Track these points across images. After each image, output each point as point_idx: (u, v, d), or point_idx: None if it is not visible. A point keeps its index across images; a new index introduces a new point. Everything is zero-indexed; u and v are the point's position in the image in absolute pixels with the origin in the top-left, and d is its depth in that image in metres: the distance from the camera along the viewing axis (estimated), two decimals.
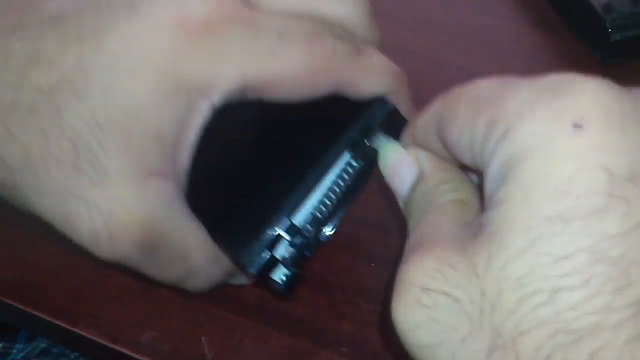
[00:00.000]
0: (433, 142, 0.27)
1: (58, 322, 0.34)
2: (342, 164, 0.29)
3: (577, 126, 0.20)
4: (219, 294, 0.35)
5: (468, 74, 0.46)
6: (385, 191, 0.39)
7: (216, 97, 0.28)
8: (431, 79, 0.46)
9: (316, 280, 0.36)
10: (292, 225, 0.29)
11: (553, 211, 0.20)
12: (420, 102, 0.44)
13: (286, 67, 0.28)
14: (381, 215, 0.38)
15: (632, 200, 0.19)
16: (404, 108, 0.32)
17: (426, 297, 0.22)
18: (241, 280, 0.34)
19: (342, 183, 0.29)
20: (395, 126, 0.30)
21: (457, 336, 0.21)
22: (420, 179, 0.28)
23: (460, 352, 0.21)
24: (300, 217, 0.29)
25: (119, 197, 0.27)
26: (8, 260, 0.36)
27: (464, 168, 0.27)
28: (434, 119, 0.27)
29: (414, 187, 0.28)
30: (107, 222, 0.27)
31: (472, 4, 0.52)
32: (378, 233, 0.38)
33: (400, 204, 0.29)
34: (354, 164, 0.30)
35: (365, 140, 0.30)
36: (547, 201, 0.20)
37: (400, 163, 0.29)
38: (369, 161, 0.30)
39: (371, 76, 0.30)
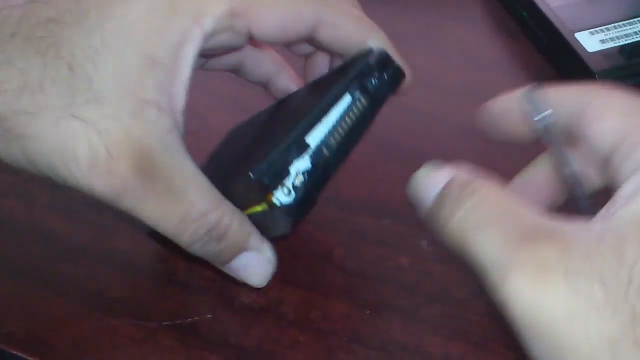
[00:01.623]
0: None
1: None
2: (346, 104, 0.32)
3: None
4: (219, 341, 0.36)
5: (467, 129, 0.48)
6: (381, 244, 0.41)
7: (207, 24, 0.29)
8: (432, 134, 0.48)
9: (312, 327, 0.37)
10: (304, 143, 0.31)
11: None
12: (420, 155, 0.46)
13: None
14: (375, 265, 0.40)
15: None
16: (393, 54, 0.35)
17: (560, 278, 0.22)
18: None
19: (348, 119, 0.32)
20: (387, 69, 0.34)
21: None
22: (451, 184, 0.27)
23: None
24: (313, 138, 0.31)
25: (114, 116, 0.28)
26: (16, 313, 0.37)
27: None
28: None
29: (441, 195, 0.27)
30: (104, 140, 0.28)
31: (468, 61, 0.54)
32: (372, 282, 0.39)
33: (422, 212, 0.29)
34: (357, 103, 0.33)
35: (366, 83, 0.33)
36: None
37: (428, 176, 0.29)
38: (370, 102, 0.33)
39: (355, 22, 0.33)
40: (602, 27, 0.50)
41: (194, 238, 0.31)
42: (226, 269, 0.34)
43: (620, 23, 0.51)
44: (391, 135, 0.47)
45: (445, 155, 0.46)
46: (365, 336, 0.37)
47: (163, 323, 0.37)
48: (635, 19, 0.51)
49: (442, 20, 0.56)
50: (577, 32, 0.50)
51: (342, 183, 0.44)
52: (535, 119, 0.29)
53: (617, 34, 0.50)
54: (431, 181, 0.27)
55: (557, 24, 0.51)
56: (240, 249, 0.33)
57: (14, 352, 0.36)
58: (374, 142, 0.47)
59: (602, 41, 0.50)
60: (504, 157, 0.47)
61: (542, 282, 0.22)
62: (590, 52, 0.49)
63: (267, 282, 0.35)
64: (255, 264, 0.34)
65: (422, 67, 0.53)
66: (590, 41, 0.50)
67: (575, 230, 0.23)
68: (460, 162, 0.28)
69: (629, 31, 0.50)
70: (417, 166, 0.45)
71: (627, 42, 0.49)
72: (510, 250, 0.23)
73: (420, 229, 0.41)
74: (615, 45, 0.49)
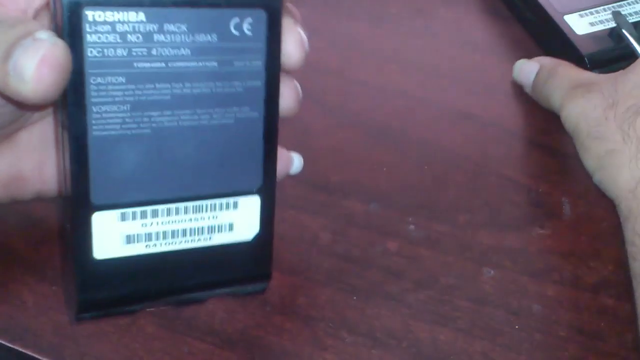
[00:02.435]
0: None
1: (46, 359, 0.35)
2: None
3: None
4: (204, 327, 0.36)
5: (455, 112, 0.47)
6: (368, 228, 0.40)
7: None
8: (420, 116, 0.47)
9: (299, 314, 0.36)
10: None
11: None
12: (408, 139, 0.45)
13: None
14: (362, 250, 0.39)
15: None
16: None
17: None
18: None
19: None
20: None
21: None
22: (540, 68, 0.46)
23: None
24: None
25: None
26: None
27: None
28: None
29: (537, 75, 0.46)
30: None
31: (458, 44, 0.53)
32: (359, 267, 0.38)
33: (529, 91, 0.48)
34: None
35: None
36: None
37: (523, 65, 0.48)
38: None
39: None
40: (592, 10, 0.50)
41: None
42: (7, 78, 0.27)
43: (610, 5, 0.50)
44: (379, 119, 0.47)
45: (434, 139, 0.46)
46: (352, 322, 0.36)
47: (147, 309, 0.36)
48: (624, 2, 0.50)
49: (432, 2, 0.56)
50: (566, 14, 0.50)
51: (328, 167, 0.44)
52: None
53: (607, 17, 0.49)
54: (529, 67, 0.47)
55: (546, 6, 0.51)
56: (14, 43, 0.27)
57: None
58: (361, 125, 0.47)
59: (592, 24, 0.49)
60: (494, 140, 0.47)
61: (575, 103, 0.42)
62: (579, 35, 0.49)
63: (34, 81, 0.26)
64: (22, 54, 0.26)
65: (412, 50, 0.53)
66: (580, 23, 0.49)
67: (601, 79, 0.42)
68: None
69: None
70: (405, 150, 0.45)
71: (616, 25, 0.49)
72: (566, 95, 0.43)
73: (408, 214, 0.41)
74: (605, 27, 0.49)
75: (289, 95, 0.33)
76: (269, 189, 0.33)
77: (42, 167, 0.36)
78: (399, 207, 0.42)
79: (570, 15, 0.50)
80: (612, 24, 0.49)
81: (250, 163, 0.32)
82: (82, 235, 0.29)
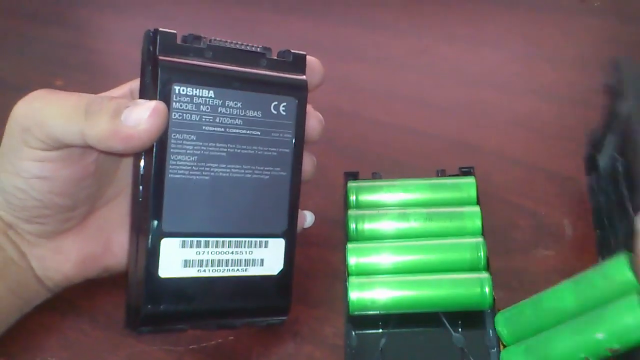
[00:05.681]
0: None
1: None
2: None
3: None
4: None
5: (457, 142, 0.50)
6: None
7: None
8: (427, 148, 0.51)
9: (326, 342, 0.40)
10: None
11: None
12: (416, 172, 0.48)
13: None
14: None
15: None
16: None
17: None
18: None
19: None
20: None
21: None
22: None
23: None
24: None
25: None
26: (55, 343, 0.41)
27: None
28: None
29: None
30: None
31: (457, 80, 0.57)
32: None
33: None
34: None
35: None
36: None
37: None
38: None
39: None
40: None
41: (88, 114, 0.35)
42: (120, 127, 0.35)
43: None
44: (388, 153, 0.50)
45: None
46: None
47: (190, 347, 0.40)
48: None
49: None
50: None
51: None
52: None
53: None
54: None
55: None
56: (121, 106, 0.35)
57: None
58: (373, 160, 0.50)
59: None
60: (496, 168, 0.49)
61: None
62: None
63: (147, 124, 0.34)
64: (132, 110, 0.35)
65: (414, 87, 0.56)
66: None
67: None
68: None
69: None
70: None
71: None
72: None
73: None
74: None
75: (308, 163, 0.40)
76: (291, 233, 0.39)
77: (110, 245, 0.40)
78: None
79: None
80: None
81: (279, 211, 0.39)
82: (152, 256, 0.35)
